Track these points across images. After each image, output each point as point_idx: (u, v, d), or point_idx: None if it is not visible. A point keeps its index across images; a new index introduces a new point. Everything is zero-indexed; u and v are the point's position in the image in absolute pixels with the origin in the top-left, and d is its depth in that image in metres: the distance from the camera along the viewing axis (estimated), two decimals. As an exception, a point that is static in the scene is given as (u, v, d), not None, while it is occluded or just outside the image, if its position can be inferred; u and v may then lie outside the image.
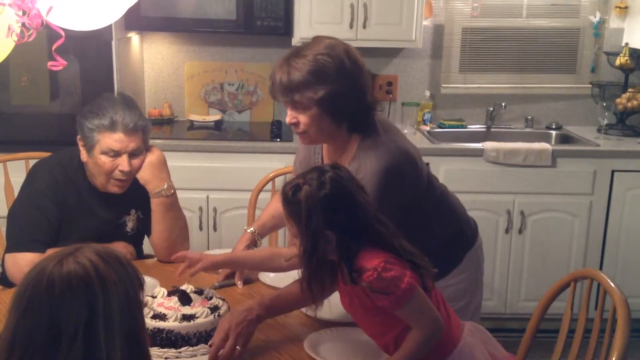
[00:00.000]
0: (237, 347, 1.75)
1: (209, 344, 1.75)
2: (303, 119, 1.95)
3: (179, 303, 1.85)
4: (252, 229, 2.31)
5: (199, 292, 1.93)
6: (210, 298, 1.92)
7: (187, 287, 1.93)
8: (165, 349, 1.75)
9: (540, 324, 2.06)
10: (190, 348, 1.76)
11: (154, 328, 1.75)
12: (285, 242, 3.17)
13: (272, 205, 2.39)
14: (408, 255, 1.64)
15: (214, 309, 1.86)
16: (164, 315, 1.78)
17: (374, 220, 1.63)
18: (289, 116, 1.97)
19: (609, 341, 1.79)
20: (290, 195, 1.62)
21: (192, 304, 1.86)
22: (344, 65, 1.92)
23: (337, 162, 1.80)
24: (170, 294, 1.91)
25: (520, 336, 2.12)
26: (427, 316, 1.60)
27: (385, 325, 1.66)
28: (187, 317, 1.79)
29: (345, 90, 1.92)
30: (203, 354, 1.76)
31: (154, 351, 1.74)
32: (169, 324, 1.76)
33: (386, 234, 1.63)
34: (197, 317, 1.80)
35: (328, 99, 1.90)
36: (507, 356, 1.76)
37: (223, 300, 1.93)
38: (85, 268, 1.13)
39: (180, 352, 1.75)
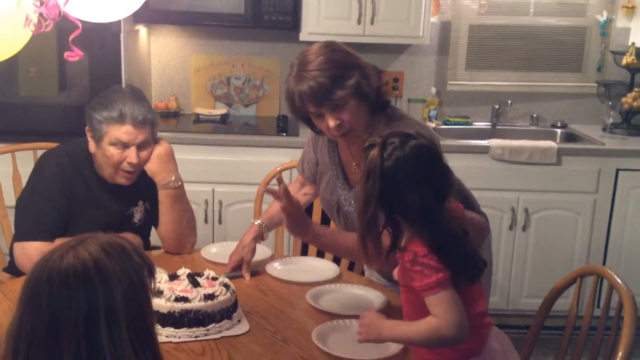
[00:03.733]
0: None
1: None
2: (346, 116, 1.97)
3: (190, 285, 1.90)
4: (259, 221, 2.32)
5: (198, 274, 1.98)
6: (215, 279, 1.97)
7: (184, 271, 1.97)
8: (194, 329, 1.82)
9: (545, 320, 2.07)
10: (217, 325, 1.84)
11: (182, 310, 1.82)
12: (291, 235, 3.18)
13: None
14: (458, 264, 1.59)
15: (227, 286, 1.94)
16: (187, 297, 1.84)
17: (433, 216, 1.57)
18: (332, 120, 1.97)
19: (614, 338, 1.80)
20: (364, 148, 1.62)
21: (202, 285, 1.92)
22: (346, 50, 2.01)
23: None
24: (171, 278, 1.95)
25: (522, 332, 2.13)
26: (455, 314, 1.54)
27: (417, 310, 1.64)
28: (209, 297, 1.86)
29: (363, 69, 1.99)
30: (227, 329, 1.86)
31: (183, 332, 1.81)
32: (196, 304, 1.83)
33: (446, 237, 1.58)
34: (218, 296, 1.87)
35: (358, 83, 1.95)
36: None
37: (227, 279, 2.01)
38: (84, 262, 1.13)
39: (208, 330, 1.83)
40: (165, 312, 1.81)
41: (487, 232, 2.01)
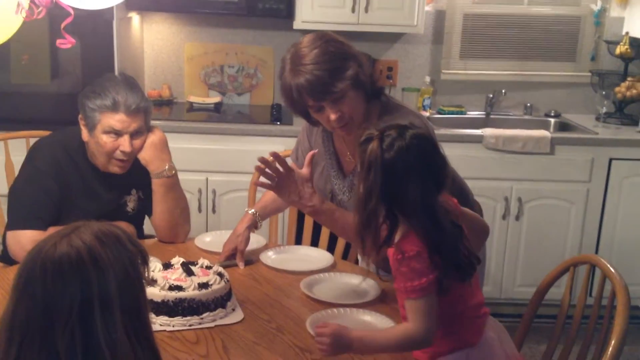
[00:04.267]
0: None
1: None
2: (346, 107, 1.96)
3: (184, 274, 1.90)
4: (253, 210, 2.32)
5: (192, 263, 1.97)
6: (209, 268, 1.97)
7: (178, 260, 1.97)
8: (188, 317, 1.82)
9: (538, 308, 2.08)
10: (211, 314, 1.85)
11: (176, 299, 1.82)
12: (285, 225, 3.18)
13: None
14: (451, 261, 1.59)
15: (221, 275, 1.94)
16: (181, 286, 1.84)
17: (432, 209, 1.57)
18: (333, 113, 1.96)
19: (607, 326, 1.81)
20: (361, 141, 1.61)
21: (196, 274, 1.92)
22: (339, 40, 1.99)
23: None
24: (165, 267, 1.95)
25: (514, 321, 2.13)
26: (427, 322, 1.57)
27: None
28: (203, 285, 1.86)
29: (358, 58, 1.98)
30: (221, 318, 1.86)
31: (178, 320, 1.81)
32: (190, 293, 1.83)
33: (440, 232, 1.57)
34: (212, 284, 1.87)
35: (356, 73, 1.94)
36: (518, 356, 1.77)
37: (221, 268, 2.01)
38: (78, 251, 1.12)
39: (202, 318, 1.83)
40: (159, 300, 1.81)
41: (487, 233, 1.99)
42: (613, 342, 1.63)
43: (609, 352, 1.62)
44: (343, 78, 1.92)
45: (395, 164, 1.56)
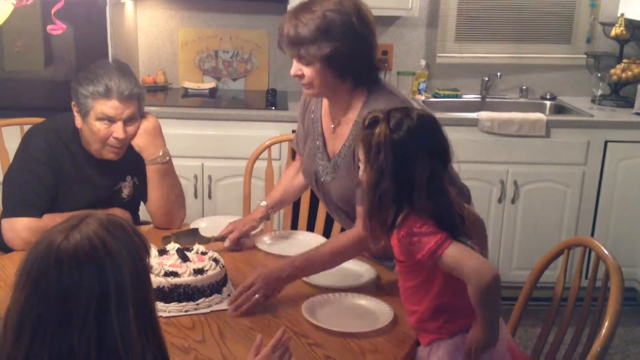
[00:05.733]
0: (257, 295, 1.83)
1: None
2: (307, 72, 1.98)
3: (179, 260, 1.90)
4: (265, 202, 2.37)
5: (188, 249, 1.98)
6: (205, 254, 1.98)
7: (173, 246, 1.98)
8: (184, 303, 1.83)
9: (533, 291, 2.09)
10: (207, 299, 1.85)
11: (171, 285, 1.82)
12: (280, 210, 3.18)
13: (284, 179, 2.44)
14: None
15: (216, 260, 1.94)
16: (176, 272, 1.85)
17: (440, 188, 1.59)
18: (294, 68, 2.01)
19: (601, 308, 1.82)
20: (366, 124, 1.62)
21: (191, 260, 1.93)
22: (352, 24, 1.95)
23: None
24: (160, 253, 1.96)
25: (511, 304, 2.14)
26: (475, 258, 1.56)
27: (411, 280, 1.67)
28: (198, 271, 1.87)
29: (351, 49, 1.95)
30: (217, 303, 1.87)
31: (173, 306, 1.82)
32: (185, 279, 1.84)
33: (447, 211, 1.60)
34: (207, 270, 1.88)
35: (332, 56, 1.93)
36: (511, 340, 1.79)
37: (217, 253, 2.01)
38: (90, 241, 1.10)
39: (198, 304, 1.84)
40: (155, 287, 1.80)
41: (482, 223, 1.89)
42: (607, 323, 1.63)
43: (602, 334, 1.63)
44: (315, 50, 1.93)
45: (405, 144, 1.57)
